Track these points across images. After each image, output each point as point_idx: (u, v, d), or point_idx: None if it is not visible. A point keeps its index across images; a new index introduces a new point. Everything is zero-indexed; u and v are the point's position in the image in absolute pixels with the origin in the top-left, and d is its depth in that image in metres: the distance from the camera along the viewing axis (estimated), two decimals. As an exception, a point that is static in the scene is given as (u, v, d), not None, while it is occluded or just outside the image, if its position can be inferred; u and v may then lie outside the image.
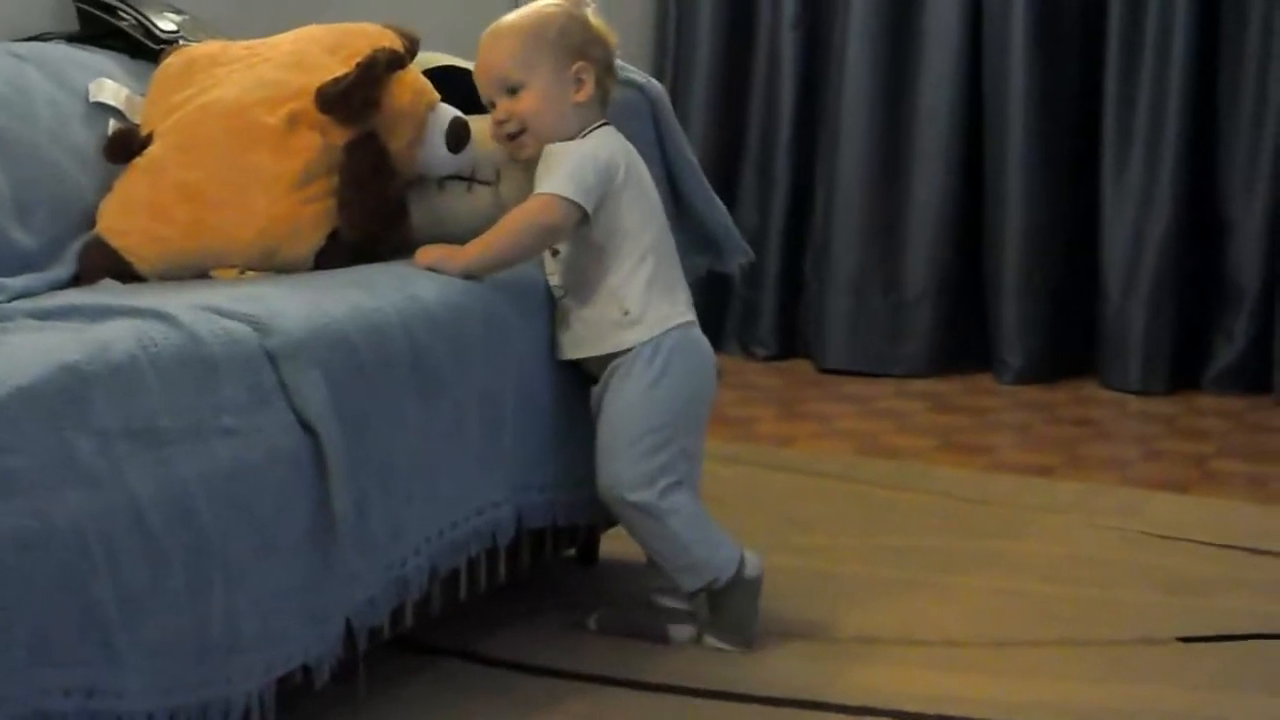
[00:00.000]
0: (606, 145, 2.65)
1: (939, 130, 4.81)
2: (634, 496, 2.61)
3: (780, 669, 2.62)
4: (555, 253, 2.64)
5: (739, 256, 3.06)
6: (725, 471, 3.67)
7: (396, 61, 2.64)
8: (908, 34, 4.82)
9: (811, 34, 4.98)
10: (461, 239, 2.65)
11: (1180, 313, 4.68)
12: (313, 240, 2.56)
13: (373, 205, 2.59)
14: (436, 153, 2.68)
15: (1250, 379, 4.64)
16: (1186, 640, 2.76)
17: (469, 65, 2.88)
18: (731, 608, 2.68)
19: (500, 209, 2.75)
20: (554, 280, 2.66)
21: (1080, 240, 4.78)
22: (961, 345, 4.91)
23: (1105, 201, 4.71)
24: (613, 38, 2.71)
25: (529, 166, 2.68)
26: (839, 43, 4.86)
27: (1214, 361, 4.70)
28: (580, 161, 2.60)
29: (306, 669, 2.13)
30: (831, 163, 4.90)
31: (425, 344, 2.33)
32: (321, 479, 2.11)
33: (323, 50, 2.68)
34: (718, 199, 3.02)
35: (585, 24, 2.68)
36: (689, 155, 2.98)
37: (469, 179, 2.74)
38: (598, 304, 2.63)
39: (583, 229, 2.60)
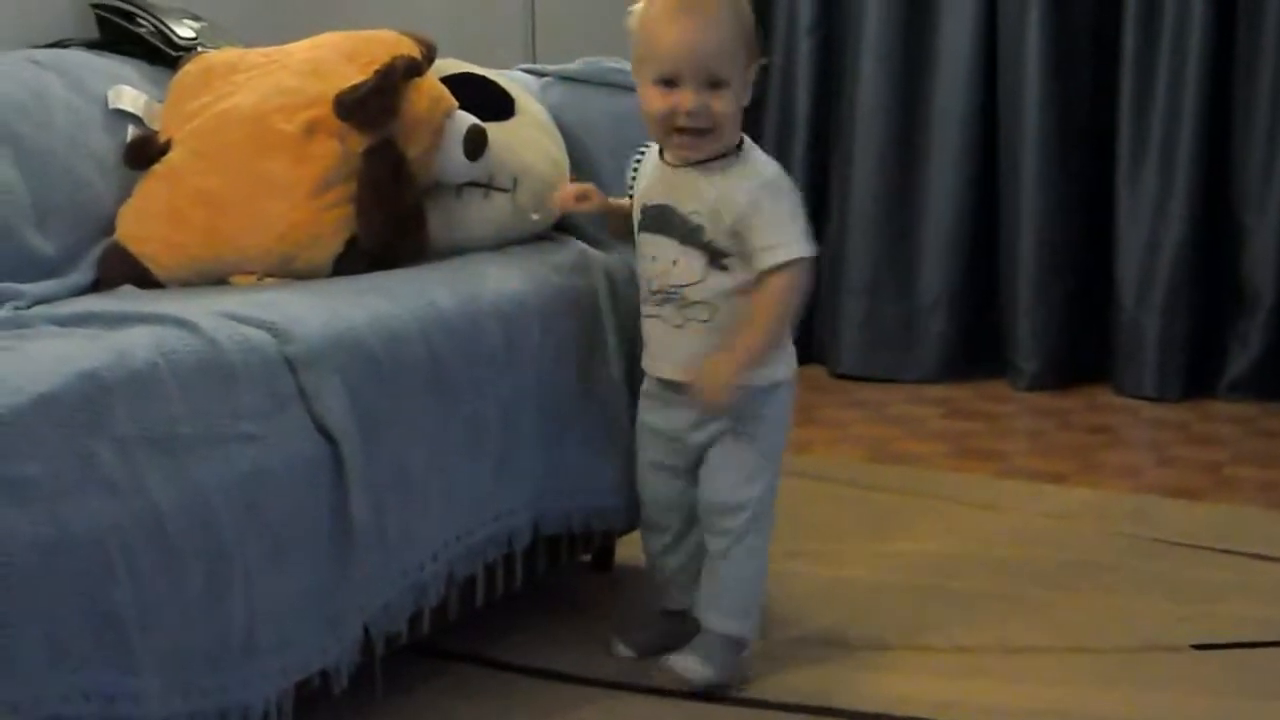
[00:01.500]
0: (783, 171, 2.58)
1: (953, 138, 4.81)
2: (764, 512, 2.60)
3: (792, 675, 2.63)
4: (723, 268, 2.51)
5: (754, 264, 3.06)
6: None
7: (414, 68, 2.64)
8: (922, 43, 4.83)
9: (827, 42, 4.99)
10: (478, 246, 2.68)
11: (1195, 319, 4.68)
12: (331, 247, 2.57)
13: (390, 212, 2.60)
14: (454, 160, 2.68)
15: (1265, 385, 4.64)
16: (1200, 648, 2.77)
17: (486, 72, 2.90)
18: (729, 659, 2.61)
19: (517, 216, 2.76)
20: (697, 295, 2.52)
21: (1095, 247, 4.78)
22: (975, 351, 4.91)
23: (1120, 208, 4.71)
24: None
25: (549, 175, 2.68)
26: (854, 51, 4.87)
27: (1228, 368, 4.69)
28: (794, 205, 2.54)
29: (324, 674, 2.15)
30: (846, 170, 4.91)
31: (443, 351, 2.34)
32: (339, 485, 2.13)
33: (341, 57, 2.69)
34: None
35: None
36: (704, 163, 2.99)
37: (486, 186, 2.75)
38: None
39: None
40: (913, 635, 2.80)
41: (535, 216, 2.80)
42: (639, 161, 2.65)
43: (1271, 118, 4.58)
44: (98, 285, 2.57)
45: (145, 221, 2.61)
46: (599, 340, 2.67)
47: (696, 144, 2.50)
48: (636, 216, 2.59)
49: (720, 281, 2.51)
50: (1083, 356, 4.84)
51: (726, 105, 2.48)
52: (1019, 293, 4.78)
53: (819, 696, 2.54)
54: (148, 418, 1.92)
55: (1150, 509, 3.58)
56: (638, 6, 2.53)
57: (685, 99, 2.46)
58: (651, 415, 2.63)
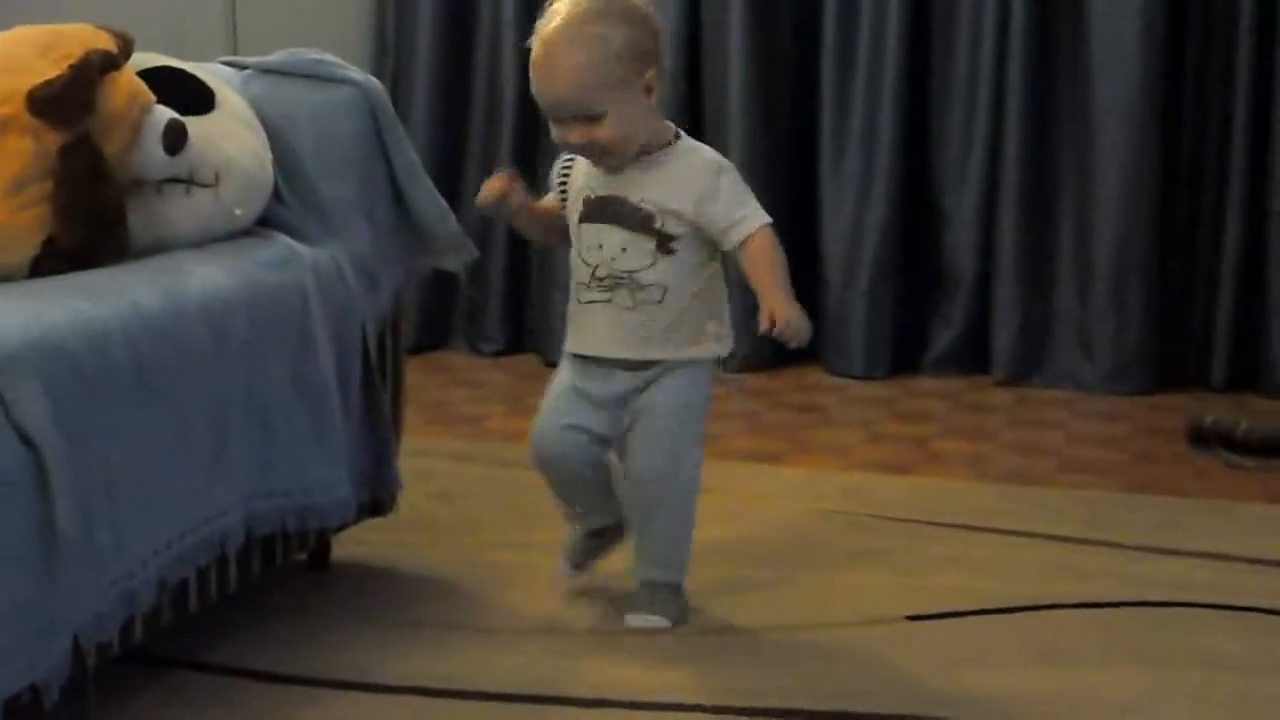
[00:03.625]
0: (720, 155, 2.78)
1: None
2: (696, 471, 2.81)
3: (517, 664, 2.62)
4: (671, 251, 2.70)
5: (463, 254, 3.06)
6: (457, 469, 3.67)
7: (110, 63, 2.58)
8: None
9: (531, 31, 4.98)
10: (182, 243, 2.63)
11: (899, 298, 4.79)
12: (28, 248, 2.49)
13: (89, 210, 2.53)
14: (153, 156, 2.62)
15: (968, 361, 4.77)
16: (913, 619, 2.82)
17: (185, 65, 2.84)
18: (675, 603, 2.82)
19: (221, 211, 2.71)
20: (649, 278, 2.69)
21: (801, 230, 4.85)
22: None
23: (824, 192, 4.80)
24: (658, 19, 2.72)
25: (252, 170, 2.66)
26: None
27: (933, 345, 4.81)
28: (742, 181, 2.75)
29: (34, 689, 2.08)
30: (553, 159, 4.90)
31: (148, 352, 2.28)
32: (43, 493, 2.06)
33: (34, 52, 2.61)
34: (440, 197, 3.01)
35: (646, 19, 2.68)
36: (410, 154, 2.97)
37: (187, 181, 2.69)
38: (694, 311, 2.74)
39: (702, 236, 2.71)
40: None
41: (239, 211, 2.75)
42: (570, 163, 2.81)
43: (967, 103, 4.71)
44: None
45: None
46: (307, 337, 2.64)
47: (604, 162, 2.69)
48: (577, 209, 2.74)
49: (671, 264, 2.70)
50: (791, 338, 4.91)
51: (610, 131, 2.63)
52: (726, 276, 4.83)
53: (544, 685, 2.54)
54: None
55: (862, 485, 3.65)
56: None
57: (570, 134, 2.66)
58: (588, 382, 2.77)
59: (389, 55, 5.08)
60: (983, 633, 2.78)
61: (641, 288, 2.70)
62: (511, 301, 5.04)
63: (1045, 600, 2.90)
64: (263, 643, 2.69)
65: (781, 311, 2.65)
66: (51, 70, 2.54)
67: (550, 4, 2.69)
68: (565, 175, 2.81)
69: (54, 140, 2.51)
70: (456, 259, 3.07)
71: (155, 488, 2.29)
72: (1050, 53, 4.62)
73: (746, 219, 2.70)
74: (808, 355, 4.85)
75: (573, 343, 2.79)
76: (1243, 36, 4.47)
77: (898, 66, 4.69)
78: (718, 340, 2.80)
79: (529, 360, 4.95)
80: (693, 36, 4.82)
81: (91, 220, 2.54)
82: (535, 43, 2.66)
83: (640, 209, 2.68)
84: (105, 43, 2.61)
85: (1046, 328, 4.70)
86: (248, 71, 3.02)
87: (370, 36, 5.12)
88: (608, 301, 2.72)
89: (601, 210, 2.71)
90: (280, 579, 2.90)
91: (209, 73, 2.89)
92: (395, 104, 3.05)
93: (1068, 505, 3.50)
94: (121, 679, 2.46)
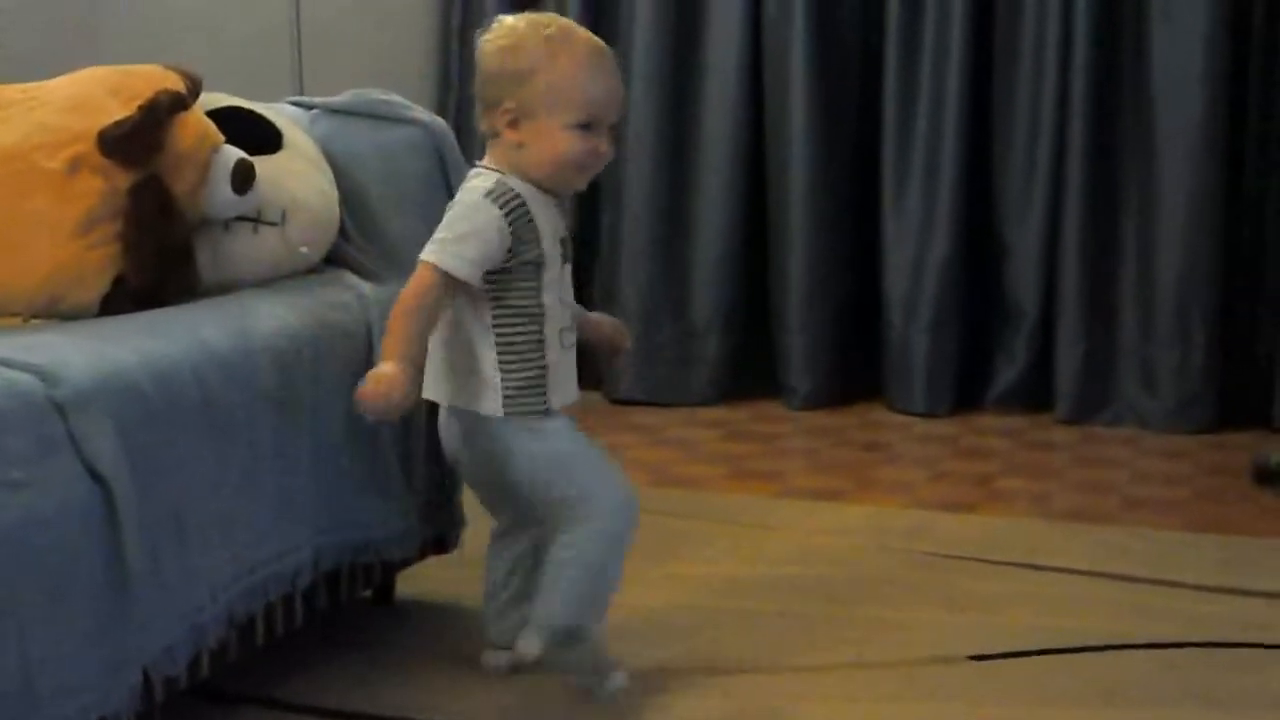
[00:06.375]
0: None
1: (722, 163, 4.87)
2: None
3: (585, 704, 2.63)
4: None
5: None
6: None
7: (179, 103, 2.61)
8: (689, 67, 4.88)
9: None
10: (248, 281, 2.65)
11: (962, 335, 4.78)
12: (98, 286, 2.52)
13: (158, 249, 2.56)
14: (222, 195, 2.65)
15: (1031, 398, 4.76)
16: (977, 658, 2.82)
17: (253, 106, 2.87)
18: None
19: (287, 249, 2.73)
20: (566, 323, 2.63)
21: (863, 266, 4.86)
22: (749, 373, 4.96)
23: (886, 228, 4.80)
24: None
25: (319, 208, 2.67)
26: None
27: (996, 381, 4.80)
28: None
29: (103, 721, 2.10)
30: (616, 196, 4.93)
31: (216, 390, 2.30)
32: (114, 528, 2.08)
33: (104, 92, 2.64)
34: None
35: None
36: (475, 193, 2.98)
37: (255, 220, 2.72)
38: None
39: None
40: (695, 657, 2.81)
41: (304, 250, 2.77)
42: (520, 204, 2.53)
43: (1029, 137, 4.70)
44: None
45: (-98, 265, 2.54)
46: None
47: (586, 179, 2.65)
48: (556, 252, 2.57)
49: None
50: (854, 374, 4.91)
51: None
52: (789, 313, 4.84)
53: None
54: (-89, 467, 1.86)
55: (925, 523, 3.64)
56: (517, 45, 2.56)
57: (604, 145, 2.58)
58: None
59: (451, 93, 5.11)
60: (1046, 672, 2.77)
61: (565, 332, 2.62)
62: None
63: (1110, 640, 2.89)
64: (329, 679, 2.70)
65: None
66: (121, 110, 2.57)
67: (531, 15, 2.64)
68: (521, 216, 2.54)
69: (124, 180, 2.54)
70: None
71: (224, 523, 2.31)
72: (1113, 84, 4.60)
73: None
74: (870, 392, 4.86)
75: (559, 395, 2.61)
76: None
77: (960, 101, 4.69)
78: None
79: (592, 397, 4.95)
80: (755, 73, 4.83)
81: (160, 259, 2.57)
82: (587, 40, 2.58)
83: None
84: (174, 83, 2.64)
85: (1110, 362, 4.68)
86: (315, 111, 3.05)
87: (434, 74, 5.15)
88: (564, 347, 2.62)
89: (567, 251, 2.63)
90: (345, 615, 2.92)
91: (277, 112, 2.92)
92: (460, 143, 3.07)
93: (1132, 544, 3.48)
94: (189, 714, 2.47)
